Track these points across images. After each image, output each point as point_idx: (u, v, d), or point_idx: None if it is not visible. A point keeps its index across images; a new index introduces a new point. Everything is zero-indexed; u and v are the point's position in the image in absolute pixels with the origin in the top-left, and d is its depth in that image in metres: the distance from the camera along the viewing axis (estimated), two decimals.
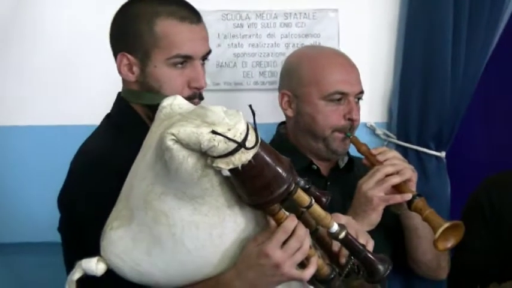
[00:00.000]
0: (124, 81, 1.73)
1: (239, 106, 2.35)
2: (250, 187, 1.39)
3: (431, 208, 1.86)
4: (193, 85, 1.69)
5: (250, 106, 1.51)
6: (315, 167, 2.05)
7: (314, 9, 2.47)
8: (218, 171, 1.38)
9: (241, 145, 1.33)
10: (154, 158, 1.43)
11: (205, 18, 2.32)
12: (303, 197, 1.41)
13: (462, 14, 2.41)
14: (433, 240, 1.81)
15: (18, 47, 2.48)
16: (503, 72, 2.78)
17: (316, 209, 1.43)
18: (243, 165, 1.35)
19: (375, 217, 1.89)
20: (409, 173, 1.94)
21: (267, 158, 1.38)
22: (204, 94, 2.24)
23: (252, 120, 1.41)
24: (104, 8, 2.03)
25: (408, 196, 1.86)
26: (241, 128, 1.33)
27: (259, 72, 2.49)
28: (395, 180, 1.88)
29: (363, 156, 2.08)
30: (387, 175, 1.90)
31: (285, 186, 1.38)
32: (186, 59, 1.67)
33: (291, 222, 1.43)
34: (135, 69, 1.68)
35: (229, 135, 1.31)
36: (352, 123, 2.00)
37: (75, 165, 1.70)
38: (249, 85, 2.48)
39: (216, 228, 1.46)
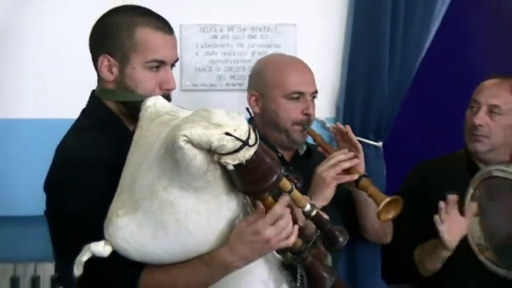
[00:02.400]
0: (100, 80, 1.76)
1: (214, 104, 2.31)
2: (249, 178, 1.45)
3: (375, 186, 2.05)
4: (165, 87, 1.73)
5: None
6: (280, 154, 2.18)
7: (276, 24, 2.65)
8: (221, 166, 1.44)
9: (245, 143, 1.39)
10: (162, 155, 1.47)
11: (185, 31, 2.57)
12: (287, 184, 1.51)
13: (397, 30, 2.59)
14: (377, 212, 2.00)
15: (17, 47, 2.54)
16: (431, 79, 3.05)
17: (296, 193, 1.53)
18: (249, 160, 1.41)
19: (328, 193, 2.04)
20: (357, 159, 2.10)
21: (263, 153, 1.45)
22: (185, 94, 2.59)
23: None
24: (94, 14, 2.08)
25: (355, 176, 2.05)
26: (245, 128, 1.40)
27: (230, 75, 2.66)
28: (346, 165, 2.06)
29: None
30: (340, 161, 2.07)
31: (276, 176, 1.46)
32: (160, 64, 1.71)
33: (281, 207, 1.51)
34: (114, 70, 1.71)
35: (236, 135, 1.38)
36: (308, 117, 2.16)
37: (59, 159, 1.73)
38: (222, 86, 2.65)
39: (214, 213, 1.53)
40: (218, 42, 2.66)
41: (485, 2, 3.38)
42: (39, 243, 1.95)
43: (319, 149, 2.18)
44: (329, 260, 1.72)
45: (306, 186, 2.05)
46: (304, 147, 2.27)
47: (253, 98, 2.20)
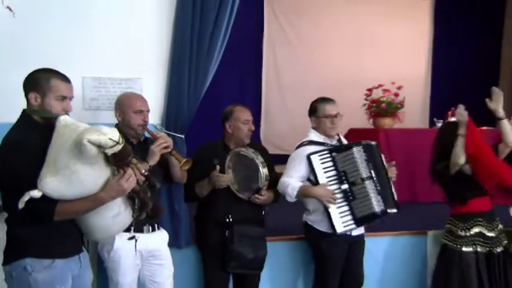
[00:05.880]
0: (29, 104, 2.33)
1: (101, 116, 3.74)
2: (118, 159, 2.12)
3: (179, 154, 3.23)
4: (66, 110, 2.34)
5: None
6: (131, 141, 3.20)
7: (132, 77, 3.81)
8: (105, 153, 2.11)
9: (117, 142, 2.07)
10: (73, 147, 2.06)
11: (85, 79, 3.62)
12: (134, 160, 2.26)
13: (191, 75, 3.65)
14: (179, 166, 3.20)
15: None
16: (209, 101, 4.30)
17: (138, 164, 2.31)
18: (118, 151, 2.08)
19: (156, 159, 3.12)
20: (170, 142, 3.16)
21: (125, 147, 2.12)
22: (86, 111, 3.60)
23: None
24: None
25: (169, 149, 3.17)
26: (117, 135, 2.12)
27: (108, 103, 3.73)
28: (164, 144, 3.14)
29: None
30: (161, 142, 3.13)
31: (130, 157, 2.20)
32: (64, 97, 2.34)
33: (131, 171, 2.23)
34: (38, 100, 2.33)
35: (113, 138, 2.05)
36: (146, 122, 3.23)
37: (5, 144, 2.25)
38: (104, 108, 3.75)
39: (99, 176, 2.21)
40: (102, 86, 3.75)
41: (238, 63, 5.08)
42: None
43: (151, 137, 3.26)
44: (149, 194, 2.49)
45: (144, 159, 3.06)
46: (144, 137, 3.36)
47: (118, 113, 3.28)
